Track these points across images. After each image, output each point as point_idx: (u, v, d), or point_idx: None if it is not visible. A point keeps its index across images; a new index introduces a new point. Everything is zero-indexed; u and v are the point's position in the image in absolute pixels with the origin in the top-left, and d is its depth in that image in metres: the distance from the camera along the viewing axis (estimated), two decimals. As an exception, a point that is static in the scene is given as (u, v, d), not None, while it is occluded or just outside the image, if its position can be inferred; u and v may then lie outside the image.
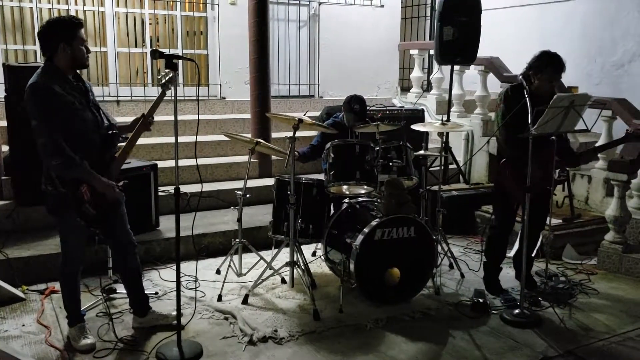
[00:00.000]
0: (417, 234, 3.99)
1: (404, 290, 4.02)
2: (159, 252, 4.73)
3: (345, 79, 7.94)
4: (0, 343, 3.21)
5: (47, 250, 4.30)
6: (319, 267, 4.66)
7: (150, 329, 3.53)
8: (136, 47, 7.15)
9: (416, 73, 8.15)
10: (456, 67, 6.69)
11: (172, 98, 3.04)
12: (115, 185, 3.16)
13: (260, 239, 4.84)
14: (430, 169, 5.65)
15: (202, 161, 5.86)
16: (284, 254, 4.21)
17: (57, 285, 3.64)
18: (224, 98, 7.35)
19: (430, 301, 4.08)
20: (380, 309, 3.89)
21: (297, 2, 7.82)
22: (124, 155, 3.26)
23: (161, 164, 5.23)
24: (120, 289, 3.84)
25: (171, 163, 5.52)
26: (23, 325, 3.58)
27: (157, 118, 6.48)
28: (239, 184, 4.70)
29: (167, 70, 3.12)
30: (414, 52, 8.21)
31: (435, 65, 7.64)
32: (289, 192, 4.01)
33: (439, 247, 4.46)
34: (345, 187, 4.17)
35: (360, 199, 4.40)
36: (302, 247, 4.29)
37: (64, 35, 3.04)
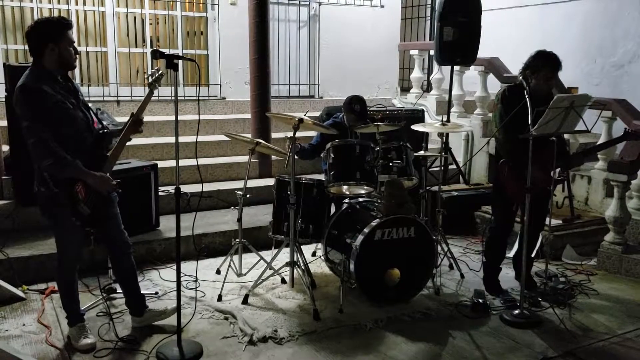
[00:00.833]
0: (417, 235, 3.99)
1: (404, 291, 4.02)
2: (159, 252, 4.74)
3: (345, 80, 7.94)
4: (1, 342, 3.21)
5: (47, 250, 4.30)
6: (319, 267, 4.66)
7: (151, 328, 3.53)
8: (136, 47, 7.15)
9: (416, 73, 8.16)
10: (456, 68, 6.69)
11: (173, 98, 3.04)
12: (109, 177, 3.14)
13: (261, 239, 4.84)
14: (430, 169, 5.66)
15: (202, 161, 5.86)
16: (284, 254, 4.21)
17: (57, 285, 3.64)
18: (224, 98, 7.35)
19: (430, 301, 4.09)
20: (380, 309, 3.90)
21: (297, 2, 7.82)
22: (116, 154, 3.24)
23: (161, 164, 5.24)
24: (120, 288, 3.84)
25: (171, 163, 5.52)
26: (23, 325, 3.58)
27: (157, 118, 6.62)
28: (239, 184, 4.70)
29: (154, 69, 3.11)
30: (414, 52, 8.21)
31: (435, 66, 7.64)
32: (289, 192, 4.01)
33: (439, 248, 4.46)
34: (345, 187, 4.17)
35: (361, 199, 4.41)
36: (302, 247, 4.29)
37: (51, 36, 3.01)
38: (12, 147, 4.78)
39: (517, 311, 3.81)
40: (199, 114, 3.56)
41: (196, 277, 4.23)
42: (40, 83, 2.98)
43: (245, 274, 4.42)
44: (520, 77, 3.93)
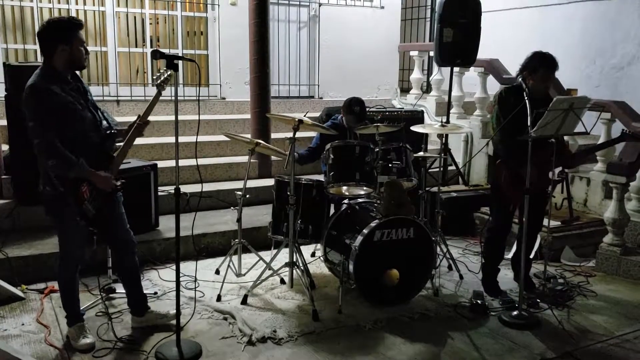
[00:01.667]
0: (416, 235, 3.99)
1: (403, 291, 4.03)
2: (159, 252, 4.74)
3: (345, 80, 7.94)
4: (0, 342, 3.21)
5: (47, 250, 4.30)
6: (318, 267, 4.66)
7: (150, 328, 3.54)
8: (136, 47, 7.16)
9: (416, 74, 8.16)
10: (456, 69, 6.69)
11: (173, 98, 3.05)
12: (112, 176, 3.16)
13: (260, 240, 4.85)
14: (430, 170, 5.67)
15: (202, 161, 5.86)
16: (284, 255, 4.21)
17: (56, 285, 3.64)
18: (224, 98, 7.36)
19: (429, 302, 4.09)
20: (379, 310, 3.90)
21: (298, 3, 7.83)
22: (123, 155, 3.26)
23: (161, 164, 5.24)
24: (120, 288, 3.85)
25: (171, 163, 5.53)
26: (22, 325, 3.58)
27: (157, 118, 6.61)
28: (238, 184, 4.70)
29: (162, 70, 3.12)
30: (413, 53, 8.22)
31: (435, 67, 7.65)
32: (288, 193, 4.02)
33: (438, 249, 4.46)
34: (344, 188, 4.17)
35: (360, 200, 4.41)
36: (302, 247, 4.29)
37: (63, 36, 3.03)
38: (11, 147, 4.78)
39: (515, 312, 3.82)
40: (199, 114, 3.56)
41: (195, 277, 4.22)
42: (50, 83, 2.99)
43: (244, 274, 4.42)
44: (520, 79, 3.94)
